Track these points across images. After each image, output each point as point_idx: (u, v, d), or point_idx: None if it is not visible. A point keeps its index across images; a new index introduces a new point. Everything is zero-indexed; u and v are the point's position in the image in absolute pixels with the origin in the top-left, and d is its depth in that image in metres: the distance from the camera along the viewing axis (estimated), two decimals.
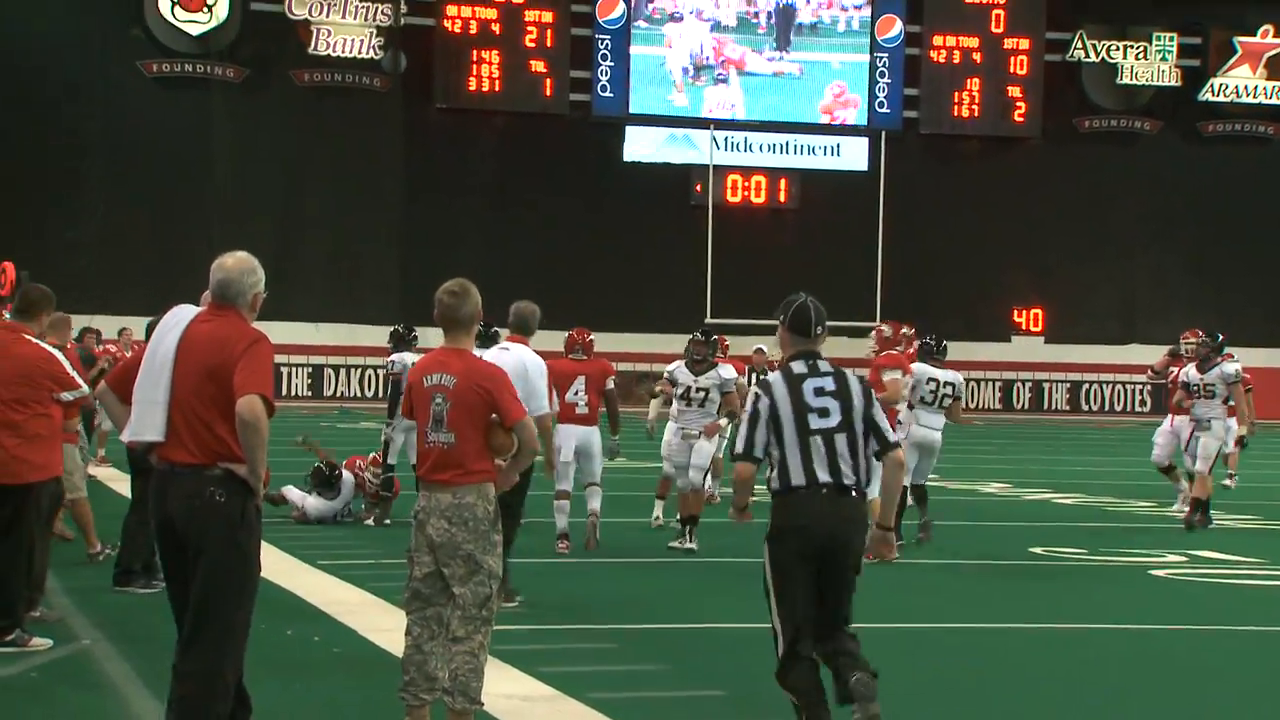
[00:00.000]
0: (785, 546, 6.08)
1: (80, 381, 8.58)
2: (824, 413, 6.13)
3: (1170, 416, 16.07)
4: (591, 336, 13.05)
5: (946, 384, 13.29)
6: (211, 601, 5.41)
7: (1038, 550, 13.20)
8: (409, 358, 13.76)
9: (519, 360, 9.19)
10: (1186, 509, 15.12)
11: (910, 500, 12.89)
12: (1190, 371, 15.46)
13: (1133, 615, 10.11)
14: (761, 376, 14.53)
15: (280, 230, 37.25)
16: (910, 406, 13.15)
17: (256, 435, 5.33)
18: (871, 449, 6.16)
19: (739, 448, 6.18)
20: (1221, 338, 15.91)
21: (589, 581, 11.08)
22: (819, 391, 6.16)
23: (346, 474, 14.20)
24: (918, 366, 13.32)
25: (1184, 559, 12.87)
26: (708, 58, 41.97)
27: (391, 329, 15.13)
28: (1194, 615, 10.23)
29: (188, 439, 5.44)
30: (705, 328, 12.80)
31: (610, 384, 12.66)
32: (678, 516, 13.10)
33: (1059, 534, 14.22)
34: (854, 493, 6.10)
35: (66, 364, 8.53)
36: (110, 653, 8.13)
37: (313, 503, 14.00)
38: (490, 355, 8.84)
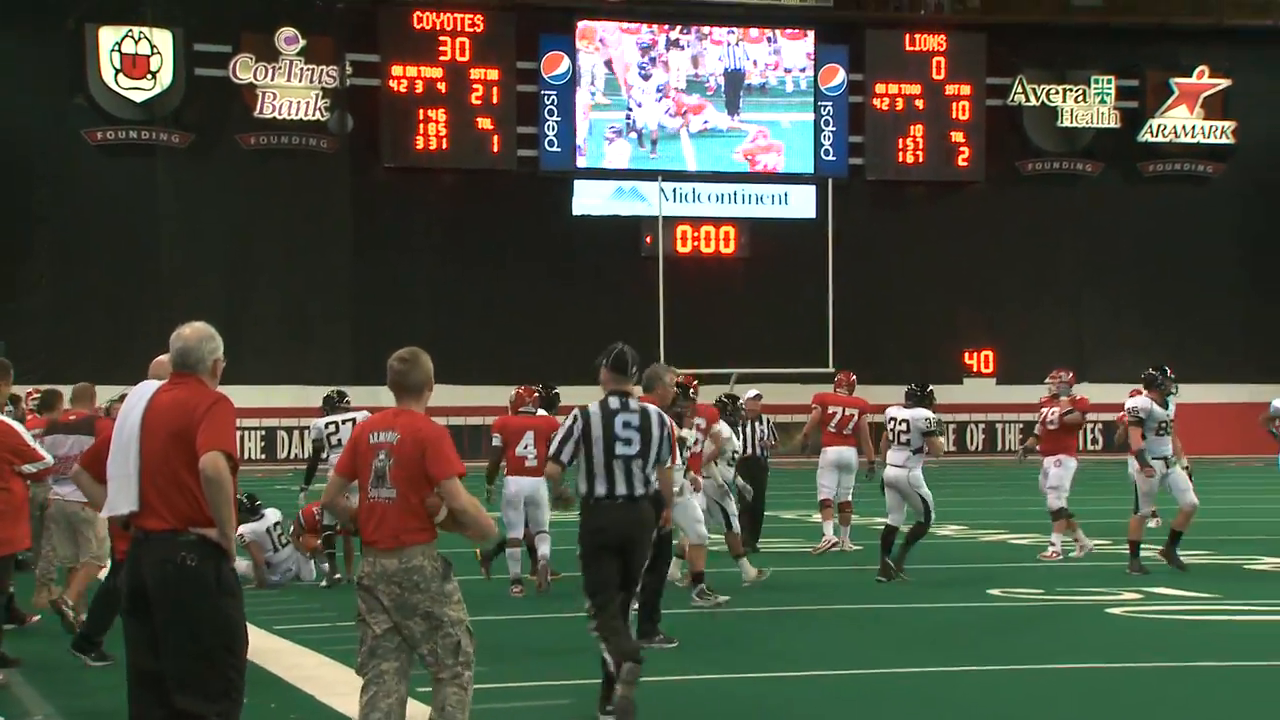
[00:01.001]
0: (593, 540, 7.94)
1: (43, 453, 8.51)
2: (628, 442, 7.95)
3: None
4: (537, 393, 13.98)
5: (902, 421, 14.21)
6: (192, 677, 5.38)
7: (995, 592, 13.25)
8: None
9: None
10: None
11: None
12: (1045, 411, 16.32)
13: (1091, 655, 10.17)
14: (754, 422, 15.45)
15: (230, 294, 37.16)
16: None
17: (221, 491, 5.39)
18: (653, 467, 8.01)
19: (551, 451, 8.09)
20: (1069, 376, 16.63)
21: (544, 632, 11.04)
22: (626, 425, 7.97)
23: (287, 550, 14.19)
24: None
25: (1139, 596, 12.96)
26: (659, 121, 42.23)
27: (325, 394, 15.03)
28: (1151, 653, 10.30)
29: (159, 505, 5.50)
30: (679, 382, 13.20)
31: None
32: (688, 573, 12.86)
33: (1016, 575, 14.29)
34: (643, 500, 7.95)
35: (28, 436, 8.47)
36: None
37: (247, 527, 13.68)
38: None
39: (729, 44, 42.55)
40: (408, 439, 6.19)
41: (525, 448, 13.14)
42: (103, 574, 11.73)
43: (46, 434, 11.12)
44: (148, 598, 5.45)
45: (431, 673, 6.23)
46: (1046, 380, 16.76)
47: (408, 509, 6.16)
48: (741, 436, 15.58)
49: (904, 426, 14.14)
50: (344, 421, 14.28)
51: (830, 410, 16.75)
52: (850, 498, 16.91)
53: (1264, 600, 12.60)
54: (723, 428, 13.77)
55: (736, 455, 14.30)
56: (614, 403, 8.06)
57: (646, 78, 42.21)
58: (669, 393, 10.08)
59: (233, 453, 5.47)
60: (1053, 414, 16.17)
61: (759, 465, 16.58)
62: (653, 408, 8.28)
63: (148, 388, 5.80)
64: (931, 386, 14.59)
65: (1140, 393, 15.05)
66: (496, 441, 13.59)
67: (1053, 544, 15.65)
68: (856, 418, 16.76)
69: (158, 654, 5.46)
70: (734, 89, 42.56)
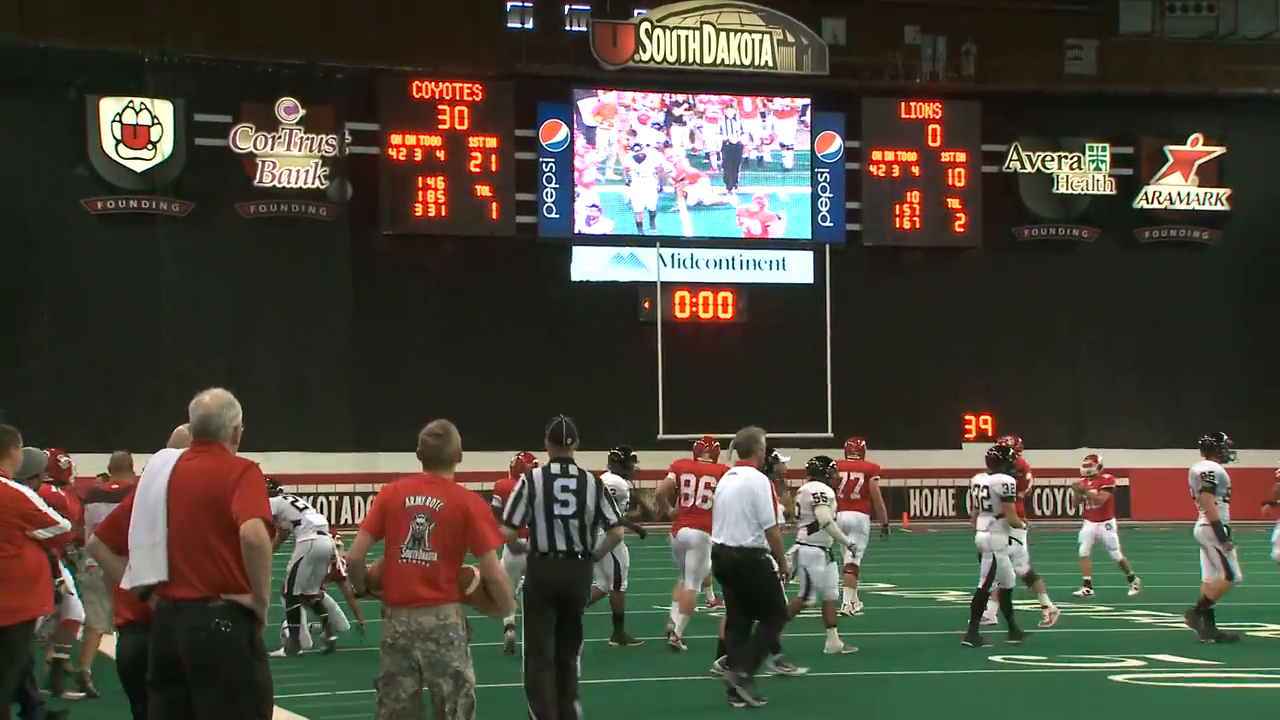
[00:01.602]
0: (534, 591, 8.84)
1: (57, 517, 8.50)
2: (565, 504, 8.87)
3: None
4: (536, 459, 13.71)
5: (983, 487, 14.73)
6: None
7: (998, 659, 13.24)
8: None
9: (746, 481, 10.80)
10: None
11: None
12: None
13: None
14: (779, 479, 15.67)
15: (230, 361, 37.17)
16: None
17: (261, 558, 5.47)
18: (602, 527, 8.95)
19: (504, 515, 8.89)
20: (1013, 444, 16.52)
21: None
22: (564, 489, 8.92)
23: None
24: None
25: (1142, 663, 12.95)
26: (657, 191, 42.50)
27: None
28: None
29: (189, 573, 5.54)
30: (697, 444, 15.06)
31: None
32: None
33: (1001, 645, 14.22)
34: (579, 557, 8.82)
35: (38, 501, 8.46)
36: None
37: None
38: (722, 480, 11.10)
39: (726, 118, 42.89)
40: (452, 506, 6.55)
41: None
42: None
43: (88, 501, 11.12)
44: (178, 666, 5.46)
45: None
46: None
47: (445, 572, 6.48)
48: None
49: (984, 492, 14.50)
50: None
51: (837, 476, 16.72)
52: (858, 560, 16.90)
53: (1266, 667, 12.59)
54: (826, 489, 13.95)
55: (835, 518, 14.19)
56: (555, 469, 9.09)
57: (643, 153, 42.49)
58: (764, 456, 11.01)
59: (269, 519, 5.56)
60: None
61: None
62: (590, 474, 9.17)
63: (169, 455, 5.83)
64: (1011, 448, 14.80)
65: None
66: (496, 503, 13.64)
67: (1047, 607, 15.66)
68: (863, 481, 16.93)
69: (187, 717, 5.47)
70: (732, 162, 42.88)
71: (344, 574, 13.74)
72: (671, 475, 14.83)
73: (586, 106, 42.21)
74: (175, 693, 5.54)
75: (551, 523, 8.86)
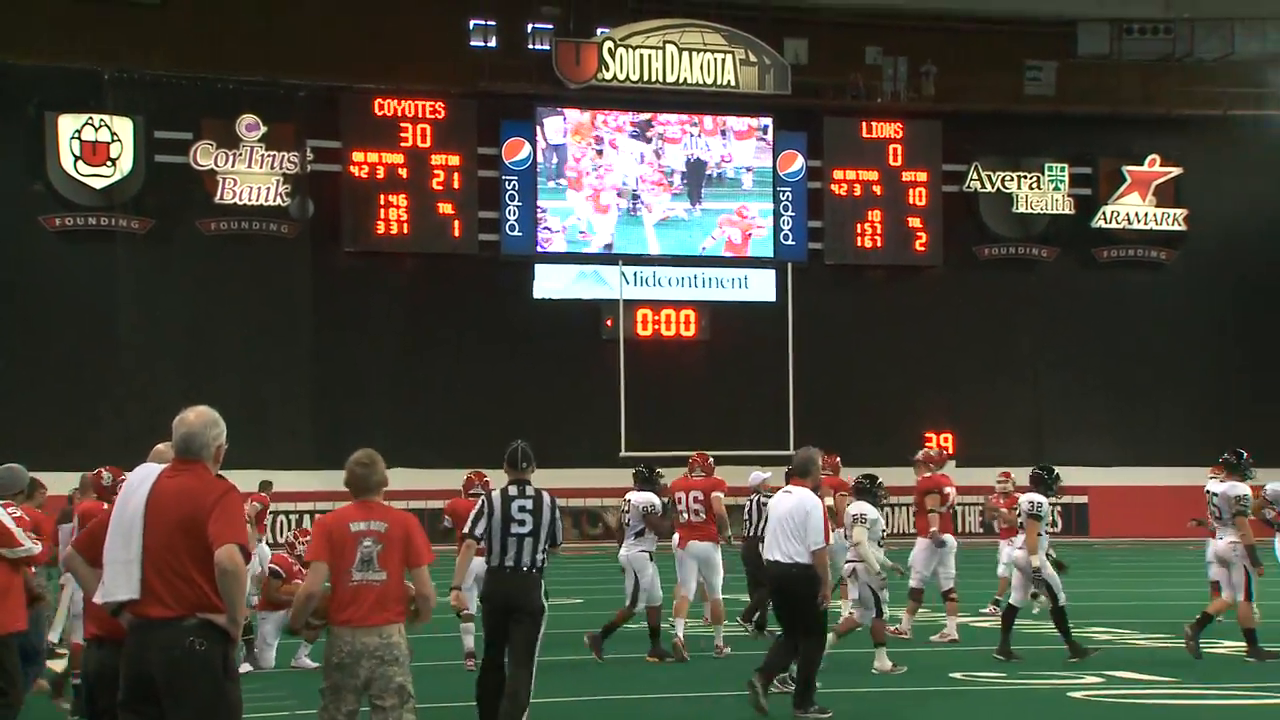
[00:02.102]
0: (488, 602, 9.63)
1: (23, 539, 8.42)
2: (521, 523, 9.55)
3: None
4: (488, 477, 14.40)
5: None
6: None
7: (957, 675, 13.29)
8: None
9: (800, 501, 11.06)
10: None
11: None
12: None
13: None
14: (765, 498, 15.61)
15: (190, 378, 36.91)
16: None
17: (237, 583, 5.46)
18: (545, 546, 9.55)
19: (466, 529, 9.79)
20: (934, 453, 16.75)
21: None
22: (520, 509, 9.57)
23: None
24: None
25: (1101, 680, 13.01)
26: (620, 208, 42.58)
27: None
28: None
29: (163, 592, 5.51)
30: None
31: None
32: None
33: (977, 659, 14.32)
34: (529, 571, 9.50)
35: (8, 522, 8.39)
36: None
37: None
38: (775, 498, 11.37)
39: (689, 137, 43.03)
40: (395, 527, 6.95)
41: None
42: (59, 665, 11.65)
43: (61, 522, 11.04)
44: (150, 685, 5.43)
45: None
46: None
47: (394, 590, 6.84)
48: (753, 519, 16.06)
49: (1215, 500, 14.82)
50: None
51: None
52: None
53: (1223, 684, 12.68)
54: (867, 509, 13.91)
55: (883, 536, 14.24)
56: (513, 490, 9.73)
57: (607, 168, 42.55)
58: (821, 477, 11.30)
59: (246, 545, 5.57)
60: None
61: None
62: (546, 495, 9.75)
63: (149, 471, 5.77)
64: (1249, 457, 14.72)
65: (1214, 475, 15.39)
66: (448, 523, 14.00)
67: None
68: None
69: None
70: (696, 179, 43.01)
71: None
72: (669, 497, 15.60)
73: (552, 125, 42.27)
74: (147, 714, 5.49)
75: (506, 540, 9.53)
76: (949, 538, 16.34)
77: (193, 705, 5.42)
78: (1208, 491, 15.20)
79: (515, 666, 9.28)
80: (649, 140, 42.86)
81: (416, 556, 6.94)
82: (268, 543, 15.98)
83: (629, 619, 14.65)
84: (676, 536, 15.22)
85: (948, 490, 16.73)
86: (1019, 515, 15.52)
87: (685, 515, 15.05)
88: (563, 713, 11.61)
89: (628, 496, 14.96)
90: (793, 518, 11.04)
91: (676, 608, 14.84)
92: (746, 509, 16.43)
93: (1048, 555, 14.64)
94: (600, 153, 42.54)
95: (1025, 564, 14.44)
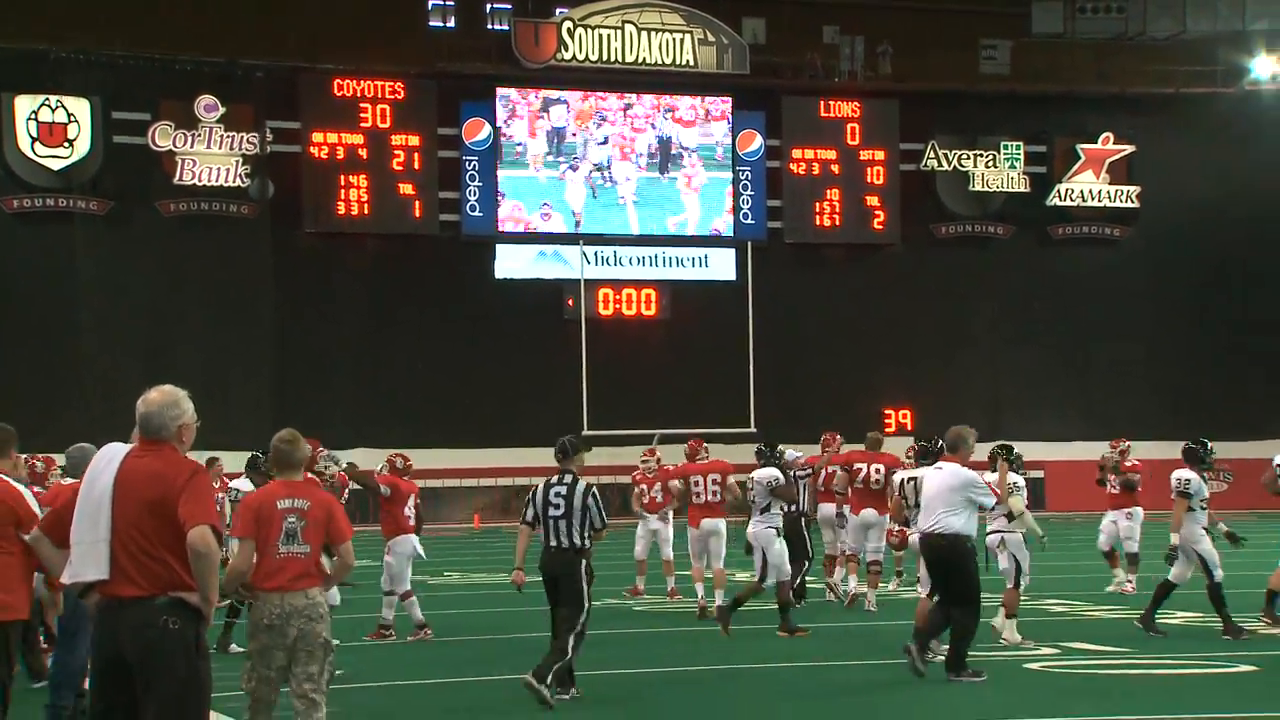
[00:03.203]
0: (542, 575, 10.87)
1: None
2: (556, 507, 10.76)
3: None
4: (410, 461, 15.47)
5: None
6: None
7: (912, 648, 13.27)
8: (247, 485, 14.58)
9: (953, 474, 11.64)
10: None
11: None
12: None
13: (1008, 710, 10.21)
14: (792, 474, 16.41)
15: (151, 359, 36.68)
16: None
17: (209, 564, 5.43)
18: (588, 529, 10.75)
19: (525, 517, 10.93)
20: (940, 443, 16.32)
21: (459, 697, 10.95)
22: (556, 495, 10.80)
23: None
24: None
25: (1057, 651, 13.06)
26: (581, 187, 42.45)
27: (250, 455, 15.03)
28: (1067, 707, 10.37)
29: (133, 572, 5.45)
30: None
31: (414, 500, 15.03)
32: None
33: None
34: (567, 549, 10.70)
35: (34, 504, 8.28)
36: None
37: None
38: (927, 472, 12.05)
39: (647, 117, 42.92)
40: (316, 506, 7.49)
41: (409, 509, 14.71)
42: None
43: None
44: (124, 665, 5.37)
45: (305, 693, 7.26)
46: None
47: (315, 561, 7.44)
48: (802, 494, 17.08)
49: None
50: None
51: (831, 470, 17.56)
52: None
53: (1175, 654, 12.75)
54: (1019, 479, 13.92)
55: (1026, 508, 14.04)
56: (553, 479, 10.92)
57: (569, 146, 42.41)
58: (971, 453, 11.74)
59: (217, 525, 5.50)
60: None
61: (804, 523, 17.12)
62: (582, 484, 10.85)
63: (116, 451, 5.69)
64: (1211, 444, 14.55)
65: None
66: (387, 491, 14.66)
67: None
68: (839, 472, 17.36)
69: (131, 712, 5.40)
70: (665, 155, 42.93)
71: None
72: (677, 481, 17.27)
73: (508, 105, 42.06)
74: (119, 692, 5.43)
75: (547, 522, 10.79)
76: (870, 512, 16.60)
77: (168, 684, 5.36)
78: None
79: (561, 625, 10.58)
80: (609, 122, 42.74)
81: (339, 535, 7.51)
82: None
83: (758, 593, 14.74)
84: (687, 513, 16.31)
85: (859, 466, 16.91)
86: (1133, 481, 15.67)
87: (703, 496, 16.02)
88: (695, 679, 11.73)
89: (753, 474, 15.14)
90: (950, 490, 11.54)
91: (697, 574, 16.17)
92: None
93: (1216, 528, 14.45)
94: (559, 132, 42.40)
95: (1187, 538, 14.00)
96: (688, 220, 43.21)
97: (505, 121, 41.89)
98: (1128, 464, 18.92)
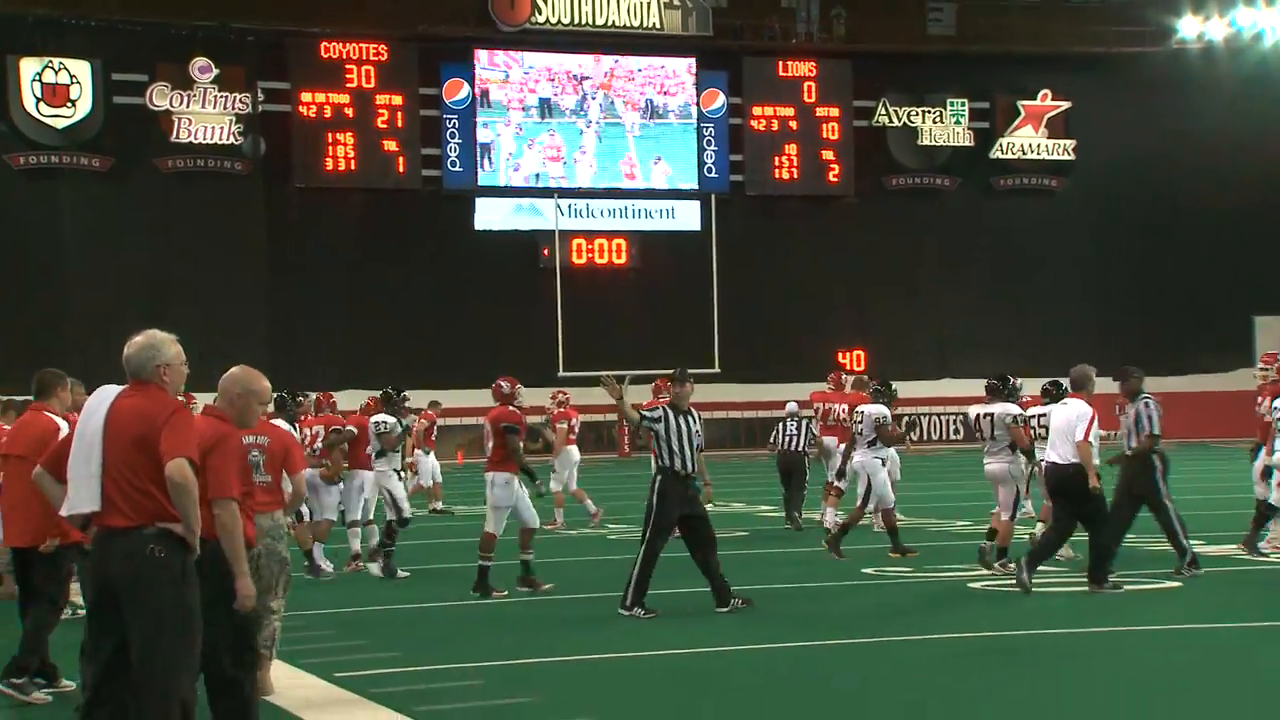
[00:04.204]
0: (670, 495, 10.98)
1: None
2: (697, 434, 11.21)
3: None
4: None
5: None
6: (159, 658, 5.37)
7: (869, 570, 13.40)
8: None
9: (1074, 409, 11.75)
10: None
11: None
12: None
13: (950, 626, 10.30)
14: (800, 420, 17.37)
15: (150, 309, 36.33)
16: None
17: (187, 495, 5.41)
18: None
19: (670, 461, 11.10)
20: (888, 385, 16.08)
21: (452, 620, 10.99)
22: (690, 421, 11.21)
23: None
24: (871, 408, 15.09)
25: (1000, 572, 13.15)
26: (554, 143, 42.26)
27: (383, 393, 15.10)
28: (1005, 623, 10.47)
29: (123, 504, 5.48)
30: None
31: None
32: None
33: (887, 555, 14.44)
34: (693, 474, 11.07)
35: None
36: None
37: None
38: (1054, 408, 12.19)
39: (619, 74, 42.68)
40: (274, 442, 8.26)
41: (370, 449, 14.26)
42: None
43: None
44: (114, 591, 5.39)
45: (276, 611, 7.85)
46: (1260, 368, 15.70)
47: (275, 488, 8.14)
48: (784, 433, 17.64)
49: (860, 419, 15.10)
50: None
51: (828, 407, 17.93)
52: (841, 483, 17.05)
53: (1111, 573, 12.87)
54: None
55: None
56: (678, 410, 11.27)
57: (543, 104, 42.17)
58: (1093, 390, 11.91)
59: (194, 458, 5.49)
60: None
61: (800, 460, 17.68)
62: (695, 412, 11.35)
63: (109, 392, 5.73)
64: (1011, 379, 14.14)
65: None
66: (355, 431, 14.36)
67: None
68: (842, 411, 17.47)
69: (123, 639, 5.43)
70: (624, 115, 42.73)
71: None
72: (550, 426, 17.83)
73: (489, 67, 41.74)
74: (110, 616, 5.47)
75: (686, 446, 11.05)
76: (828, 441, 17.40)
77: (152, 609, 5.39)
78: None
79: (701, 552, 11.07)
80: (579, 78, 42.50)
81: (293, 466, 8.30)
82: None
83: (860, 520, 14.83)
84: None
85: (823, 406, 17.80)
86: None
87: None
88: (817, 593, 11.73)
89: (860, 408, 15.23)
90: (1067, 424, 11.68)
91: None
92: (782, 426, 18.08)
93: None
94: (534, 89, 42.14)
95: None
96: (655, 174, 43.09)
97: (482, 81, 41.59)
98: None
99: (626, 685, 8.48)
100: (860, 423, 14.99)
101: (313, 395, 15.64)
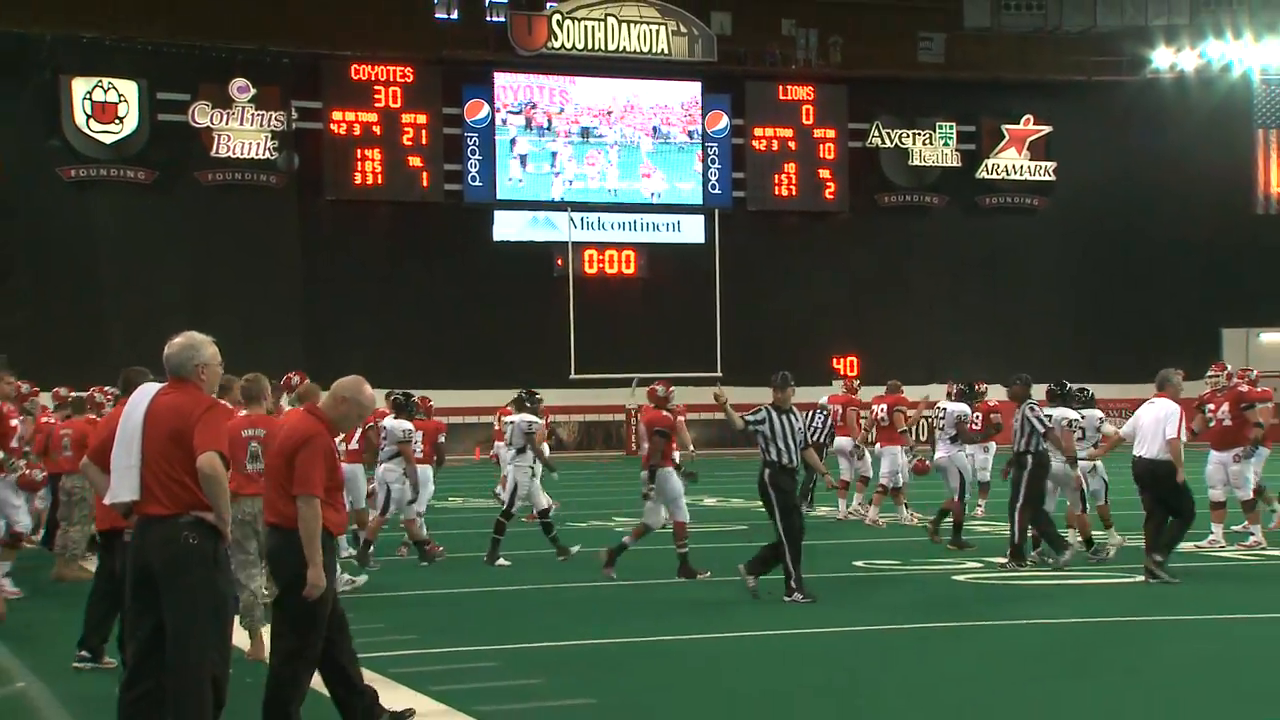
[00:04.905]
0: (782, 485, 11.09)
1: None
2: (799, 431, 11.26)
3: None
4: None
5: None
6: (191, 638, 5.40)
7: (859, 563, 13.37)
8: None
9: (1162, 408, 11.78)
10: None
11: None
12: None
13: (934, 616, 10.28)
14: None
15: (191, 312, 36.32)
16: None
17: (218, 485, 5.45)
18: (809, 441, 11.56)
19: (778, 458, 11.12)
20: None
21: (468, 606, 10.97)
22: (793, 420, 11.32)
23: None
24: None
25: (981, 565, 13.13)
26: (569, 161, 42.28)
27: (396, 396, 14.52)
28: (986, 613, 10.45)
29: (160, 494, 5.52)
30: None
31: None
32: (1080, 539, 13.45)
33: (878, 549, 14.42)
34: (796, 467, 11.31)
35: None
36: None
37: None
38: (1143, 407, 11.94)
39: (630, 97, 42.71)
40: (271, 435, 8.07)
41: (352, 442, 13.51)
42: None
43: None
44: (150, 574, 5.41)
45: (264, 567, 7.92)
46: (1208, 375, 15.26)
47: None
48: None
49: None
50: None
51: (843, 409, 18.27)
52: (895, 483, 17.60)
53: (1081, 569, 12.85)
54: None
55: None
56: (781, 409, 11.38)
57: (559, 125, 42.18)
58: (1178, 390, 11.94)
59: (225, 452, 5.53)
60: (1223, 410, 14.61)
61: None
62: (796, 411, 11.46)
63: (149, 389, 5.78)
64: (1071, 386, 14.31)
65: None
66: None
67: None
68: (840, 411, 18.19)
69: (158, 621, 5.45)
70: (636, 135, 42.73)
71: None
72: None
73: (507, 88, 41.79)
74: (148, 599, 5.48)
75: (788, 443, 11.12)
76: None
77: (185, 591, 5.43)
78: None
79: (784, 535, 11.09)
80: (592, 100, 42.51)
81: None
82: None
83: (960, 510, 14.81)
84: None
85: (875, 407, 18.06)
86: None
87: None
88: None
89: (941, 405, 15.27)
90: (1157, 422, 11.73)
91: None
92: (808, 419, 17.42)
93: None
94: (550, 111, 42.17)
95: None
96: (663, 190, 43.09)
97: (501, 102, 41.62)
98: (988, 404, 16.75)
99: (632, 669, 8.46)
100: (944, 419, 14.95)
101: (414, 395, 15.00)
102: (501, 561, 13.50)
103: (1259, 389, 14.90)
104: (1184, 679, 7.93)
